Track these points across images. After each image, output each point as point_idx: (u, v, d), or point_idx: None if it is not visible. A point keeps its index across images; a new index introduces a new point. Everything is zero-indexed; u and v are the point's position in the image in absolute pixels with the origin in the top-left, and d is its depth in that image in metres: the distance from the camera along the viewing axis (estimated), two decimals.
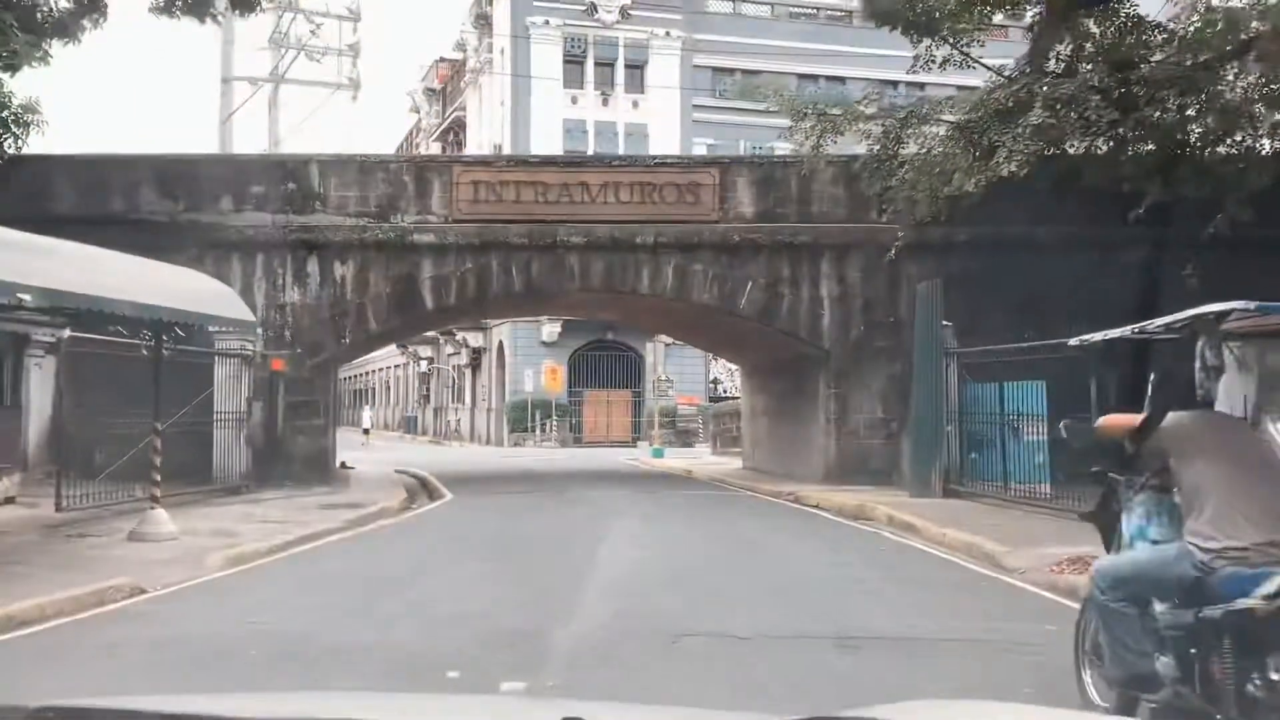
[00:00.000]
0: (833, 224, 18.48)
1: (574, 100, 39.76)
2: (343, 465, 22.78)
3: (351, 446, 40.69)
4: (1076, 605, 8.46)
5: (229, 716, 1.52)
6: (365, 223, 18.35)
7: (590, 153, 35.94)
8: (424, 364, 54.23)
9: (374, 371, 69.31)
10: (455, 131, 48.01)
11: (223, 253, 18.09)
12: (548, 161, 18.93)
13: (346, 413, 68.84)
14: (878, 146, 16.00)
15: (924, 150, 15.54)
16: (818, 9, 43.86)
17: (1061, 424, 5.20)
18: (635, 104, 39.97)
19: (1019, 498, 14.49)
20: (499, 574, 8.68)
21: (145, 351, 11.59)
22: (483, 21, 43.70)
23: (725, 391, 41.22)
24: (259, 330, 17.63)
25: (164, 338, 11.28)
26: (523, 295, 18.70)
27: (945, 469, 15.59)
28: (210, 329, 15.90)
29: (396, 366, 62.50)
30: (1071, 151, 15.69)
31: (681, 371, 38.37)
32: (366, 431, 45.92)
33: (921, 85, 25.03)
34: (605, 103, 39.74)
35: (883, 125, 15.82)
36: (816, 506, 15.90)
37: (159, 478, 11.39)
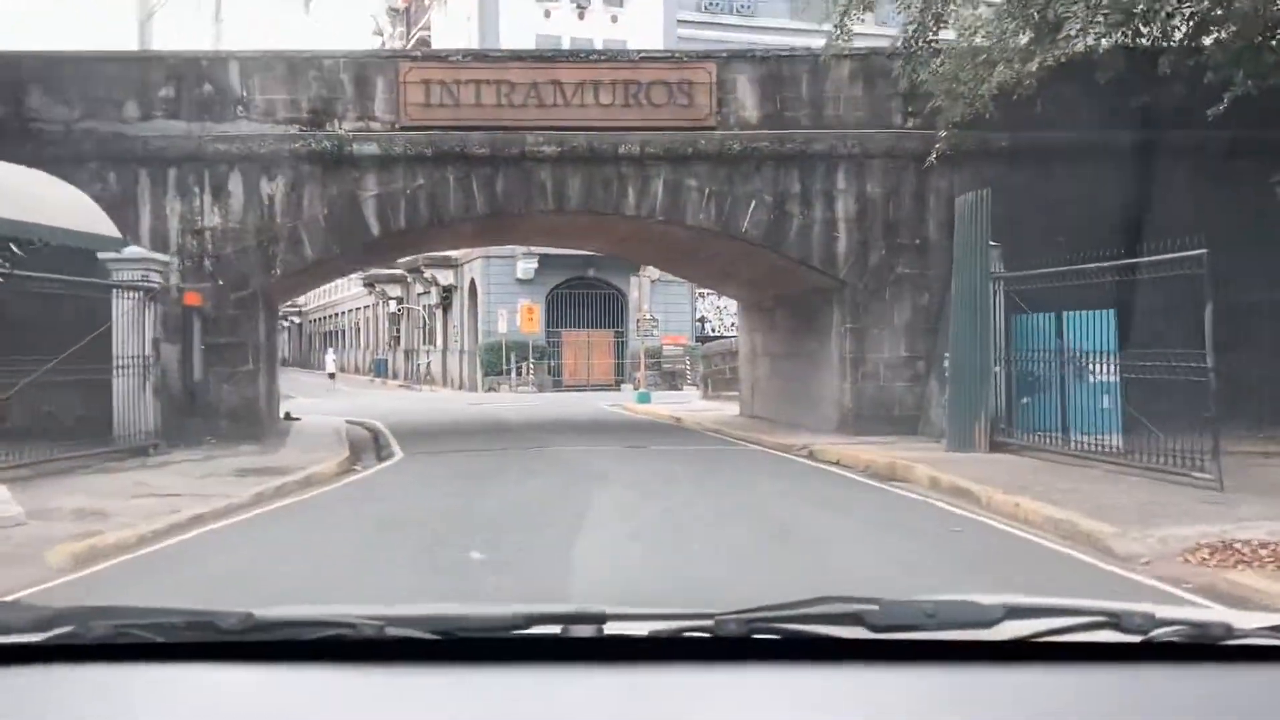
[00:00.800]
0: (850, 130, 15.70)
1: (547, 15, 36.46)
2: (287, 416, 20.15)
3: (316, 392, 38.02)
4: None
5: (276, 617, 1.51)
6: (296, 131, 15.45)
7: None
8: (393, 304, 51.28)
9: (344, 313, 66.51)
10: None
11: (128, 168, 15.20)
12: (513, 56, 15.96)
13: (316, 356, 66.05)
14: (914, 26, 13.16)
15: (969, 31, 12.72)
16: None
17: None
18: (614, 18, 36.73)
19: (1083, 451, 12.02)
20: (432, 588, 6.02)
21: None
22: None
23: (713, 330, 38.68)
24: (170, 260, 14.95)
25: None
26: (486, 218, 15.88)
27: (992, 417, 13.05)
28: (99, 254, 13.17)
29: (365, 307, 59.58)
30: (1145, 32, 12.95)
31: (666, 309, 35.77)
32: (332, 376, 43.12)
33: None
34: (581, 16, 36.46)
35: None
36: (836, 463, 13.36)
37: None
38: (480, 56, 16.00)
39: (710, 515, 8.76)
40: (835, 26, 13.54)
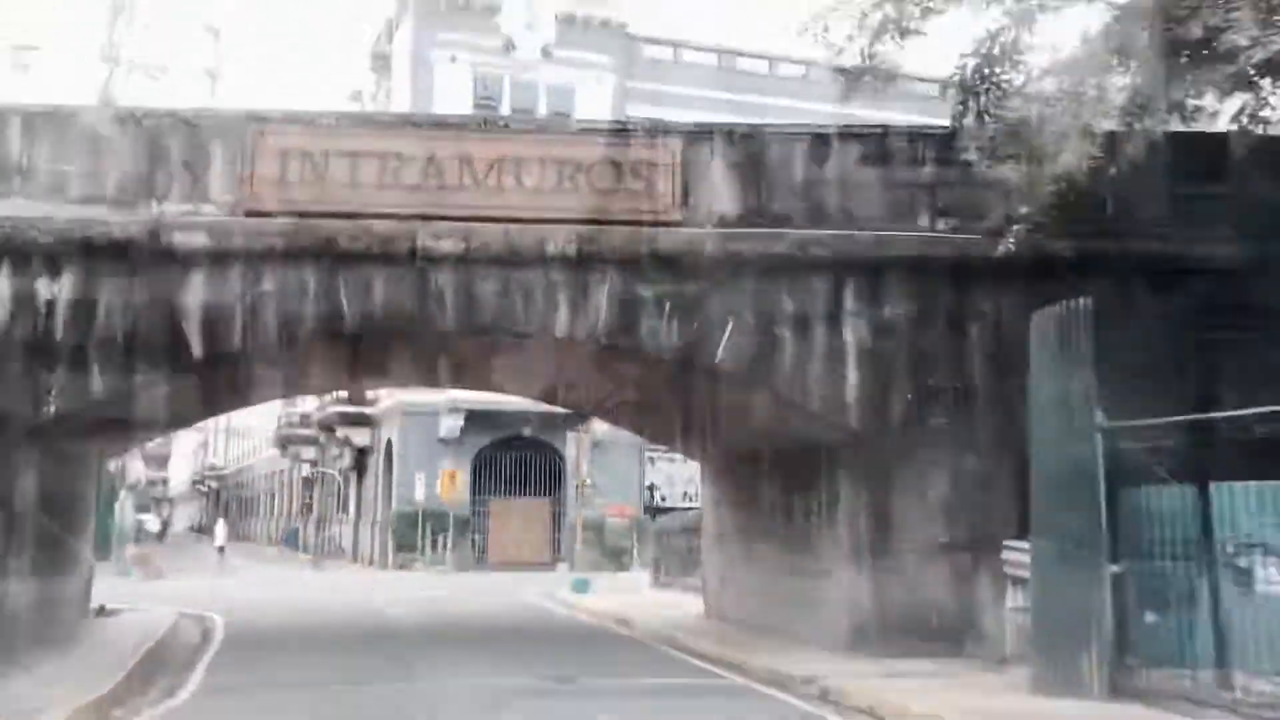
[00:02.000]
0: (861, 231, 11.61)
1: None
2: (101, 610, 15.13)
3: (197, 569, 32.27)
4: None
5: None
6: (96, 213, 11.00)
7: None
8: (307, 467, 45.89)
9: (259, 478, 60.71)
10: None
11: None
12: (405, 121, 11.72)
13: (233, 524, 59.53)
14: (989, 47, 9.08)
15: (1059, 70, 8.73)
16: (769, 59, 37.89)
17: None
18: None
19: (1267, 702, 7.49)
20: None
21: None
22: (381, 62, 37.35)
23: (664, 500, 33.85)
24: None
25: None
26: (360, 339, 11.38)
27: (1111, 645, 8.48)
28: None
29: (280, 471, 53.94)
30: None
31: (609, 474, 31.16)
32: (221, 549, 37.28)
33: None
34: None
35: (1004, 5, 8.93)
36: (869, 712, 8.64)
37: None
38: (362, 121, 11.83)
39: None
40: (862, 54, 9.53)
